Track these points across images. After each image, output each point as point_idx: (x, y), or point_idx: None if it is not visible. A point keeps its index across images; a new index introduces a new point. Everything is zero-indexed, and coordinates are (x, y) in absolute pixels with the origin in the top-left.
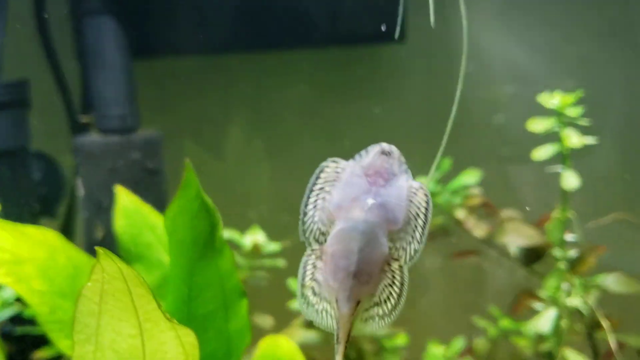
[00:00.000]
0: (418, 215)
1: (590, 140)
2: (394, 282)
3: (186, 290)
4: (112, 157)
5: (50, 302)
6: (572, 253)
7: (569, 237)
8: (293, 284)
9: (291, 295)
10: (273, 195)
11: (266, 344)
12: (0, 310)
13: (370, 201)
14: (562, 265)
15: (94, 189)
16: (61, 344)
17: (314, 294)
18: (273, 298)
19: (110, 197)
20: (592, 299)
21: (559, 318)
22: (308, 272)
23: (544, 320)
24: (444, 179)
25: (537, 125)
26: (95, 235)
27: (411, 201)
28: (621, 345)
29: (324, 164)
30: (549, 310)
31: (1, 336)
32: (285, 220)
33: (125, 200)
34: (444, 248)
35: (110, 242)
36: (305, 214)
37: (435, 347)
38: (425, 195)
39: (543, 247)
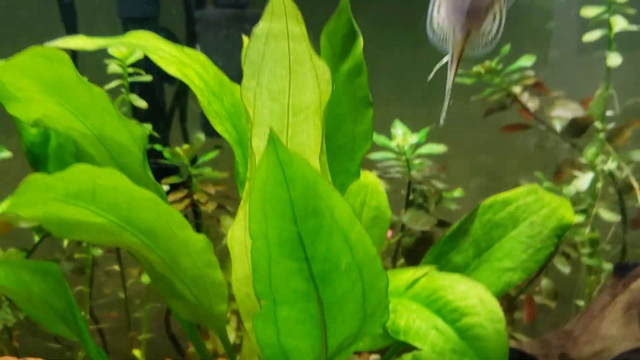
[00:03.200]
0: None
1: (634, 27)
2: (495, 19)
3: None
4: (226, 26)
5: (207, 96)
6: (611, 126)
7: (609, 112)
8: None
9: None
10: None
11: None
12: None
13: None
14: (601, 135)
15: (211, 52)
16: (217, 128)
17: (438, 24)
18: None
19: (223, 59)
20: (626, 167)
21: (595, 180)
22: (435, 8)
23: (583, 181)
24: (503, 63)
25: (590, 11)
26: None
27: None
28: None
29: None
30: (587, 173)
31: None
32: None
33: None
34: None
35: None
36: None
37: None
38: None
39: (586, 120)
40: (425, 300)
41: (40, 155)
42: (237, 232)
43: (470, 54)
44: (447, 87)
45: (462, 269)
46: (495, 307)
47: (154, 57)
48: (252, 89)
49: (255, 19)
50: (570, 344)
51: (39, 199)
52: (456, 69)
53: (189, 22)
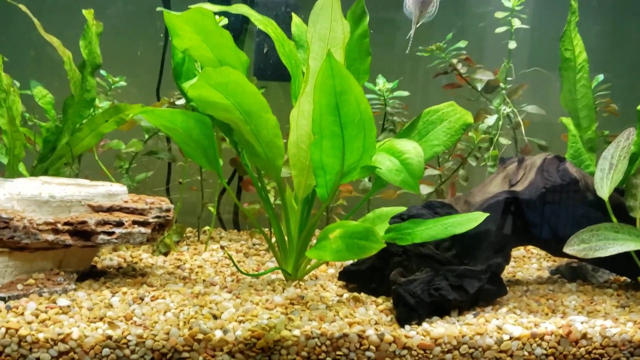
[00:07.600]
0: None
1: (526, 26)
2: (434, 5)
3: None
4: (276, 8)
5: (279, 43)
6: (510, 86)
7: (510, 78)
8: None
9: None
10: None
11: None
12: None
13: None
14: (503, 92)
15: None
16: (284, 61)
17: (407, 8)
18: None
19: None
20: (517, 113)
21: (498, 119)
22: (406, 1)
23: (490, 120)
24: (447, 45)
25: (499, 14)
26: None
27: None
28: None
29: None
30: (494, 115)
31: None
32: None
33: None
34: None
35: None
36: None
37: None
38: None
39: (496, 82)
40: (386, 150)
41: (179, 72)
42: (295, 113)
43: (422, 21)
44: (410, 36)
45: None
46: (420, 151)
47: (252, 19)
48: (311, 33)
49: (291, 4)
50: (471, 197)
51: (200, 85)
52: (415, 28)
53: (251, 5)
